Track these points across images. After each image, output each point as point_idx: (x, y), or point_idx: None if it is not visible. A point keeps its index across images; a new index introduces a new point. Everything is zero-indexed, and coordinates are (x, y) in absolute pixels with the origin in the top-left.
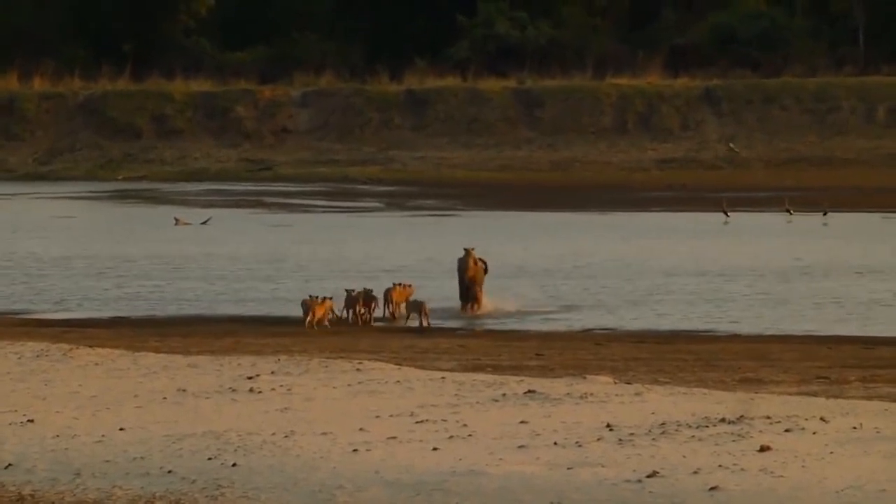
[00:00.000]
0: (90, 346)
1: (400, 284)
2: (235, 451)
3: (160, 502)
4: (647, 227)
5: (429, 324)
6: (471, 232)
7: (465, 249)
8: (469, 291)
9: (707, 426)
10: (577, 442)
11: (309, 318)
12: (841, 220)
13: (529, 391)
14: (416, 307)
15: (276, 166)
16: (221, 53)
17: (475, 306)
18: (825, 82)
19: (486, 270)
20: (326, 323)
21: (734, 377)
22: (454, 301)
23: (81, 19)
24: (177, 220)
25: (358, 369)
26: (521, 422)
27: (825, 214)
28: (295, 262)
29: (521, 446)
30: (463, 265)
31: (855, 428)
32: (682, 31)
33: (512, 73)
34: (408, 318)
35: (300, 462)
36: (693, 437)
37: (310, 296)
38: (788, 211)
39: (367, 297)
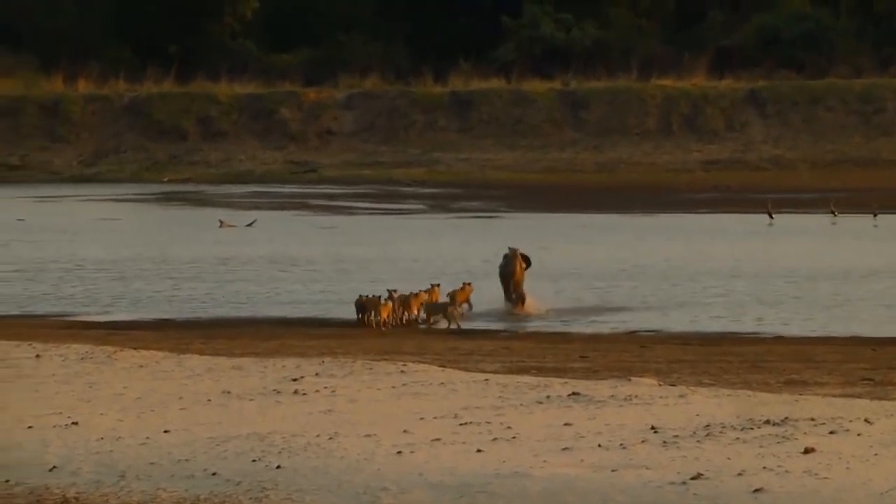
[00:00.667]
0: (135, 349)
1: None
2: (280, 453)
3: None
4: (691, 229)
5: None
6: (516, 234)
7: (510, 249)
8: (515, 291)
9: (752, 428)
10: (621, 444)
11: (373, 317)
12: (889, 222)
13: (573, 393)
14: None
15: (321, 168)
16: (266, 55)
17: (521, 306)
18: (870, 83)
19: (528, 265)
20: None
21: (779, 379)
22: (499, 303)
23: (126, 21)
24: (221, 222)
25: (402, 371)
26: (566, 424)
27: (875, 216)
28: (340, 264)
29: (565, 448)
30: (508, 266)
31: None
32: (727, 33)
33: (557, 74)
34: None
35: (344, 464)
36: (737, 438)
37: (368, 295)
38: (833, 212)
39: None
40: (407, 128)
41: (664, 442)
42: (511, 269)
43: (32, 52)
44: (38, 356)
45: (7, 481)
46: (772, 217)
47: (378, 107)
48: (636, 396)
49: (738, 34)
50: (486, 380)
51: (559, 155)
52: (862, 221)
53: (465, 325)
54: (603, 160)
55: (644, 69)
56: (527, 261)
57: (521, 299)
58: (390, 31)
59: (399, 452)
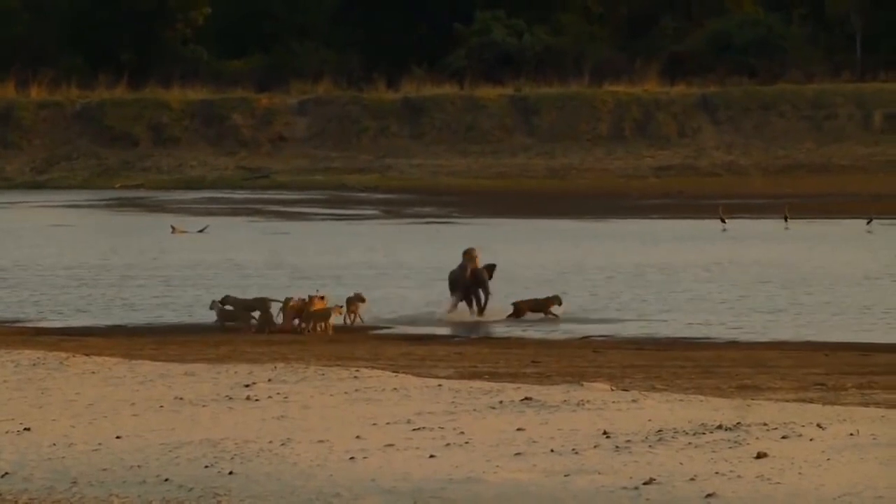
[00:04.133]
0: (87, 355)
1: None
2: (232, 459)
3: None
4: (644, 235)
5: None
6: (468, 239)
7: (467, 249)
8: (485, 293)
9: (704, 433)
10: (573, 449)
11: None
12: (836, 228)
13: (526, 398)
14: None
15: (274, 174)
16: (218, 62)
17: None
18: (822, 89)
19: (490, 274)
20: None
21: (731, 384)
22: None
23: (78, 28)
24: (174, 228)
25: (355, 377)
26: (518, 429)
27: (870, 223)
28: (292, 269)
29: (518, 454)
30: (462, 266)
31: (852, 434)
32: (679, 39)
33: (509, 80)
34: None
35: (297, 470)
36: (690, 443)
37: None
38: (786, 218)
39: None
40: (359, 134)
41: (616, 447)
42: (464, 267)
43: None
44: None
45: None
46: (724, 222)
47: (330, 113)
48: (589, 401)
49: (689, 40)
50: (439, 385)
51: (511, 161)
52: (814, 227)
53: (418, 331)
54: (555, 166)
55: (596, 75)
56: (491, 269)
57: (478, 302)
58: (343, 38)
59: (352, 458)
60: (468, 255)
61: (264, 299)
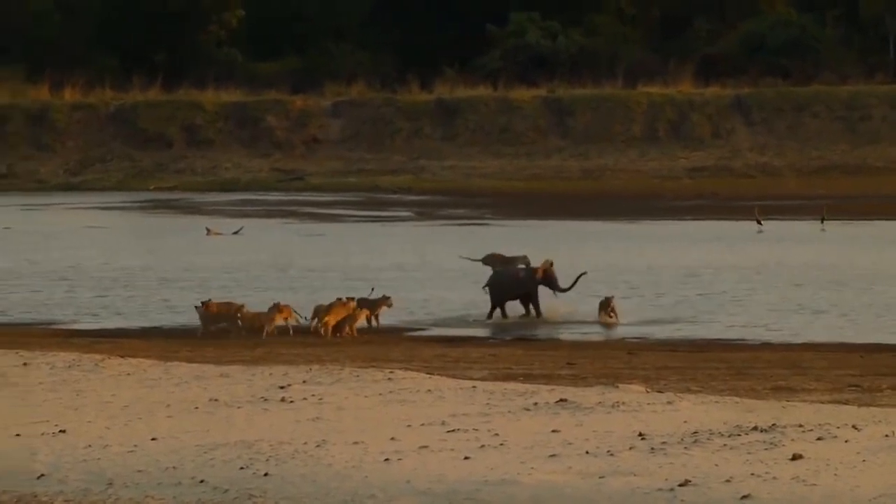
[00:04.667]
0: (122, 357)
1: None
2: (267, 460)
3: None
4: (678, 236)
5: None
6: (502, 241)
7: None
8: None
9: (739, 434)
10: (608, 451)
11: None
12: (873, 229)
13: (561, 400)
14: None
15: (307, 176)
16: (252, 64)
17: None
18: (856, 90)
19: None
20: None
21: (766, 385)
22: (482, 309)
23: (112, 30)
24: (208, 230)
25: (389, 378)
26: (553, 431)
27: None
28: (327, 271)
29: (552, 455)
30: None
31: (887, 436)
32: (712, 40)
33: (542, 82)
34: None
35: (332, 471)
36: (725, 445)
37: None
38: (822, 219)
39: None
40: (393, 135)
41: (652, 449)
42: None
43: (19, 61)
44: (25, 364)
45: None
46: (760, 223)
47: (364, 115)
48: (624, 403)
49: (723, 41)
50: (474, 387)
51: (545, 162)
52: (852, 228)
53: (452, 333)
54: (589, 167)
55: (630, 76)
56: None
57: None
58: (376, 40)
59: (387, 460)
60: (524, 259)
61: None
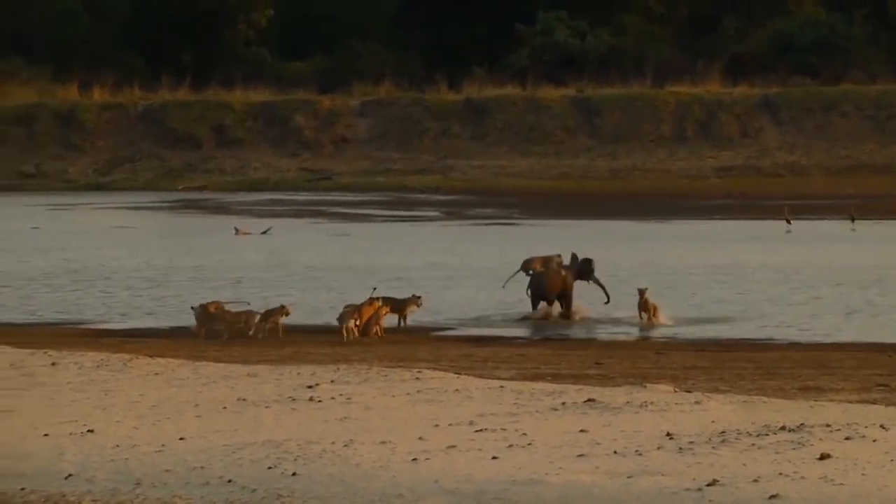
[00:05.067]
0: (150, 356)
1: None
2: (295, 460)
3: None
4: (707, 236)
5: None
6: (530, 241)
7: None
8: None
9: (767, 434)
10: (636, 451)
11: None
12: None
13: (589, 400)
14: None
15: (336, 176)
16: (281, 63)
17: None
18: (885, 90)
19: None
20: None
21: (794, 385)
22: (512, 308)
23: (140, 29)
24: (237, 229)
25: (417, 378)
26: (581, 430)
27: None
28: (355, 271)
29: (580, 455)
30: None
31: None
32: (741, 39)
33: (571, 81)
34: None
35: (360, 471)
36: (753, 445)
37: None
38: (852, 218)
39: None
40: (421, 135)
41: (680, 448)
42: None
43: (47, 61)
44: (53, 364)
45: (23, 489)
46: (790, 223)
47: (392, 114)
48: (651, 403)
49: (751, 41)
50: (502, 387)
51: (573, 162)
52: (883, 228)
53: (479, 332)
54: (617, 167)
55: (658, 76)
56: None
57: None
58: (404, 39)
59: (414, 459)
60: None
61: None
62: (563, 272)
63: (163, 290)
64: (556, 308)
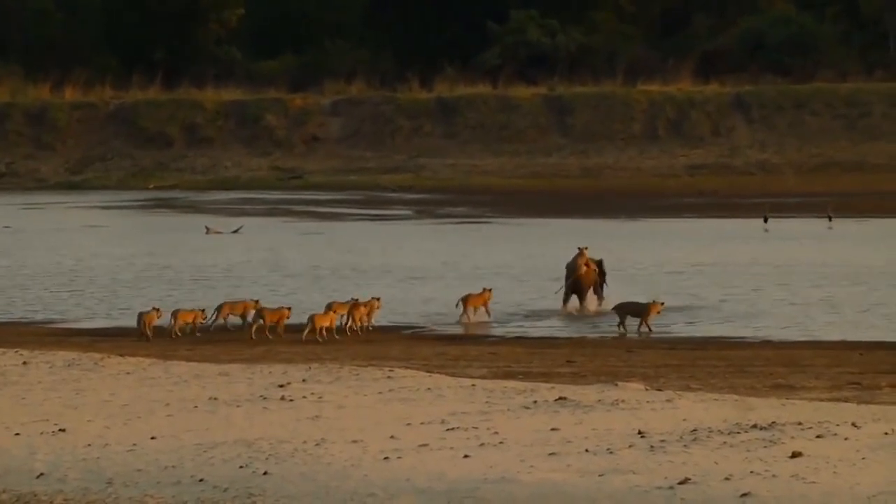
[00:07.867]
0: (121, 355)
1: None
2: (267, 459)
3: None
4: (678, 234)
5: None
6: (503, 239)
7: (578, 249)
8: (578, 293)
9: (739, 432)
10: (608, 449)
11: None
12: (880, 227)
13: (560, 398)
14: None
15: (307, 175)
16: (252, 62)
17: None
18: (856, 88)
19: (601, 273)
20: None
21: (766, 383)
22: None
23: (112, 29)
24: (208, 228)
25: (389, 377)
26: (553, 429)
27: None
28: (326, 270)
29: (552, 453)
30: (572, 265)
31: (887, 433)
32: (712, 38)
33: (542, 80)
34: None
35: (332, 470)
36: (724, 443)
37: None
38: (829, 216)
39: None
40: (393, 134)
41: (651, 447)
42: (574, 266)
43: (19, 60)
44: (24, 363)
45: None
46: (766, 221)
47: (364, 113)
48: (623, 401)
49: (723, 39)
50: (473, 385)
51: (545, 160)
52: (860, 226)
53: (451, 331)
54: (588, 165)
55: (629, 74)
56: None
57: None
58: (376, 38)
59: (386, 458)
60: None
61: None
62: (595, 269)
63: (133, 288)
64: (574, 303)
